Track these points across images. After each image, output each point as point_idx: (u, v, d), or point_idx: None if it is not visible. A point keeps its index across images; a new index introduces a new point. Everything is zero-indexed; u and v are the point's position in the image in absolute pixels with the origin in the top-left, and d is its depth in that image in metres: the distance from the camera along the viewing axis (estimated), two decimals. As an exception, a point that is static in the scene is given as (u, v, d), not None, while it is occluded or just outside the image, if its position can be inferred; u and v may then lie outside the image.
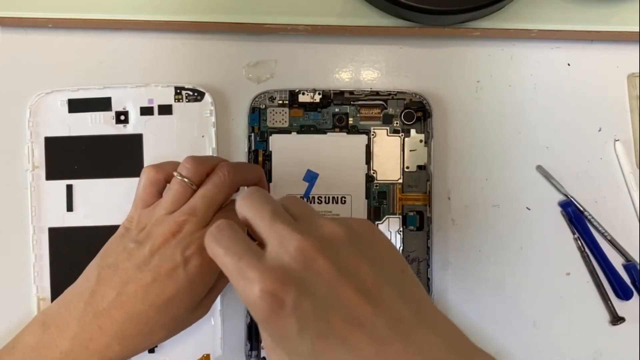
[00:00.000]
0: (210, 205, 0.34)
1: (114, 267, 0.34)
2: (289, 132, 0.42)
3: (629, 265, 0.43)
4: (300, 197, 0.42)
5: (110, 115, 0.42)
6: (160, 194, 0.36)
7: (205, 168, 0.35)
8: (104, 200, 0.42)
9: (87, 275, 0.35)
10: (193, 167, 0.35)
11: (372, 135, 0.42)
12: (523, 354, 0.43)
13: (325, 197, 0.42)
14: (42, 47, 0.43)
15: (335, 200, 0.42)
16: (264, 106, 0.42)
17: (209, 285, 0.35)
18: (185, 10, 0.42)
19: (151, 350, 0.41)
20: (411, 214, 0.42)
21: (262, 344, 0.41)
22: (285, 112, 0.42)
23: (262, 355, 0.41)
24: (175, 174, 0.35)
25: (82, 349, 0.33)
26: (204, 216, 0.34)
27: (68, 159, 0.42)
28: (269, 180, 0.42)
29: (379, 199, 0.42)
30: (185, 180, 0.35)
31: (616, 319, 0.42)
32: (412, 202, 0.42)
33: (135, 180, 0.42)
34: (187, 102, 0.42)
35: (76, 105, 0.42)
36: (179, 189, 0.35)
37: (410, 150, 0.42)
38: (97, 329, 0.33)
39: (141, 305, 0.33)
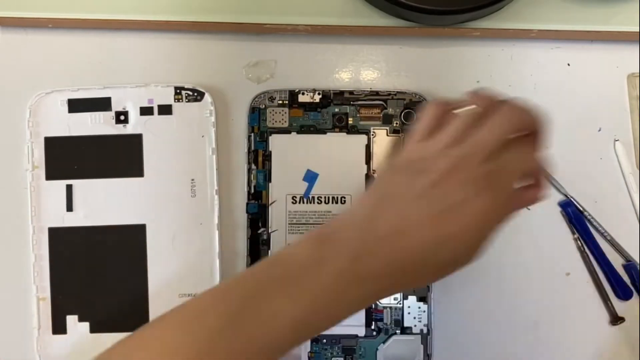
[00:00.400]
0: (500, 140, 0.31)
1: (392, 196, 0.31)
2: (289, 132, 0.42)
3: (629, 265, 0.43)
4: (300, 197, 0.42)
5: (110, 115, 0.42)
6: (440, 129, 0.33)
7: (491, 103, 0.33)
8: (103, 200, 0.42)
9: (362, 205, 0.32)
10: (481, 102, 0.32)
11: (372, 135, 0.42)
12: (523, 354, 0.43)
13: (325, 197, 0.42)
14: (42, 47, 0.43)
15: (335, 200, 0.42)
16: (263, 106, 0.42)
17: (491, 230, 0.31)
18: (185, 10, 0.42)
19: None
20: (411, 214, 0.42)
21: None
22: (285, 112, 0.42)
23: (262, 355, 0.41)
24: (457, 110, 0.33)
25: (354, 277, 0.30)
26: (492, 151, 0.31)
27: (68, 159, 0.42)
28: (269, 180, 0.42)
29: (379, 199, 0.42)
30: (471, 113, 0.32)
31: (616, 319, 0.42)
32: (412, 202, 0.42)
33: (135, 180, 0.42)
34: (187, 102, 0.42)
35: (76, 105, 0.42)
36: (462, 122, 0.32)
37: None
38: (371, 258, 0.30)
39: (419, 237, 0.30)
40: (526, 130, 0.33)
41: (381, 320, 0.42)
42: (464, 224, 0.30)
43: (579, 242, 0.43)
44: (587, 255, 0.43)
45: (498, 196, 0.31)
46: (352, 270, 0.30)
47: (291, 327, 0.30)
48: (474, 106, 0.33)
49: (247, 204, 0.42)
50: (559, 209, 0.43)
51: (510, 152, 0.31)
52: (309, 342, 0.41)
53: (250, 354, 0.29)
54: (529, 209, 0.43)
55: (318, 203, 0.42)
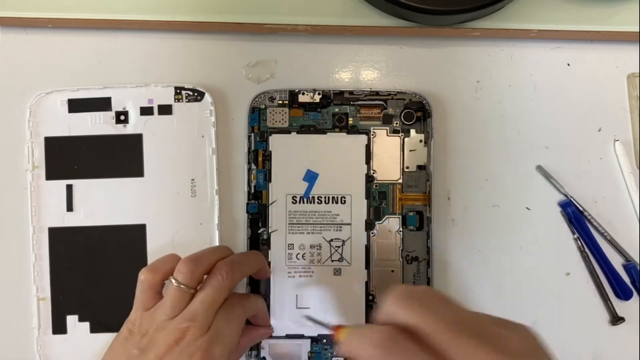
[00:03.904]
0: (211, 309, 0.35)
1: None
2: (289, 132, 0.42)
3: (629, 265, 0.43)
4: (300, 197, 0.42)
5: (110, 115, 0.42)
6: (160, 295, 0.37)
7: (200, 270, 0.36)
8: (104, 200, 0.42)
9: None
10: (188, 272, 0.35)
11: (372, 135, 0.42)
12: (523, 354, 0.43)
13: (325, 197, 0.42)
14: (42, 47, 0.43)
15: (335, 200, 0.42)
16: (264, 106, 0.42)
17: None
18: (185, 10, 0.42)
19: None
20: (411, 214, 0.42)
21: (261, 345, 0.41)
22: (285, 112, 0.42)
23: (262, 356, 0.41)
24: (172, 279, 0.36)
25: None
26: (205, 320, 0.34)
27: (68, 159, 0.42)
28: (269, 180, 0.42)
29: (379, 199, 0.42)
30: (182, 286, 0.35)
31: (616, 319, 0.42)
32: (412, 202, 0.42)
33: (135, 180, 0.42)
34: (187, 102, 0.42)
35: (76, 105, 0.42)
36: (176, 294, 0.35)
37: (410, 150, 0.42)
38: None
39: None
40: (245, 277, 0.37)
41: (381, 320, 0.42)
42: None
43: (579, 242, 0.43)
44: (587, 255, 0.43)
45: (216, 358, 0.33)
46: None
47: None
48: (181, 274, 0.35)
49: (247, 204, 0.42)
50: (559, 209, 0.43)
51: (220, 317, 0.35)
52: (308, 342, 0.41)
53: None
54: (529, 209, 0.43)
55: (318, 203, 0.42)
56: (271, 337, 0.41)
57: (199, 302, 0.35)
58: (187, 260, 0.36)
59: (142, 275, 0.36)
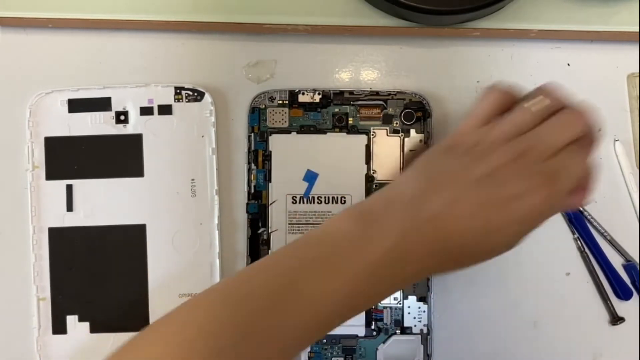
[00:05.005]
0: (559, 138, 0.31)
1: (444, 177, 0.31)
2: (289, 132, 0.42)
3: (629, 265, 0.43)
4: (300, 197, 0.42)
5: (110, 115, 0.42)
6: (499, 116, 0.33)
7: (559, 106, 0.32)
8: (104, 200, 0.42)
9: (407, 184, 0.32)
10: (552, 99, 0.32)
11: (372, 135, 0.42)
12: (523, 354, 0.43)
13: (325, 197, 0.42)
14: (42, 47, 0.43)
15: (335, 200, 0.42)
16: (263, 106, 0.42)
17: (534, 227, 0.32)
18: (185, 10, 0.42)
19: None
20: (411, 214, 0.42)
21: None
22: (285, 112, 0.42)
23: (262, 355, 0.41)
24: (526, 103, 0.32)
25: (400, 255, 0.29)
26: (549, 147, 0.31)
27: (68, 159, 0.42)
28: (269, 180, 0.42)
29: (379, 199, 0.42)
30: (542, 108, 0.32)
31: (616, 319, 0.42)
32: (412, 202, 0.42)
33: (135, 180, 0.42)
34: (187, 102, 0.42)
35: (76, 105, 0.42)
36: (525, 117, 0.32)
37: (410, 150, 0.42)
38: (418, 238, 0.30)
39: (467, 224, 0.30)
40: (584, 136, 0.33)
41: (381, 320, 0.42)
42: (513, 218, 0.30)
43: (579, 242, 0.43)
44: (587, 255, 0.43)
45: (552, 196, 0.30)
46: (398, 249, 0.29)
47: (335, 306, 0.29)
48: (547, 102, 0.32)
49: (247, 204, 0.42)
50: (559, 209, 0.43)
51: (570, 156, 0.31)
52: (309, 342, 0.41)
53: (291, 335, 0.29)
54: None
55: (318, 203, 0.42)
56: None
57: (547, 127, 0.31)
58: (550, 89, 0.33)
59: (493, 89, 0.33)
